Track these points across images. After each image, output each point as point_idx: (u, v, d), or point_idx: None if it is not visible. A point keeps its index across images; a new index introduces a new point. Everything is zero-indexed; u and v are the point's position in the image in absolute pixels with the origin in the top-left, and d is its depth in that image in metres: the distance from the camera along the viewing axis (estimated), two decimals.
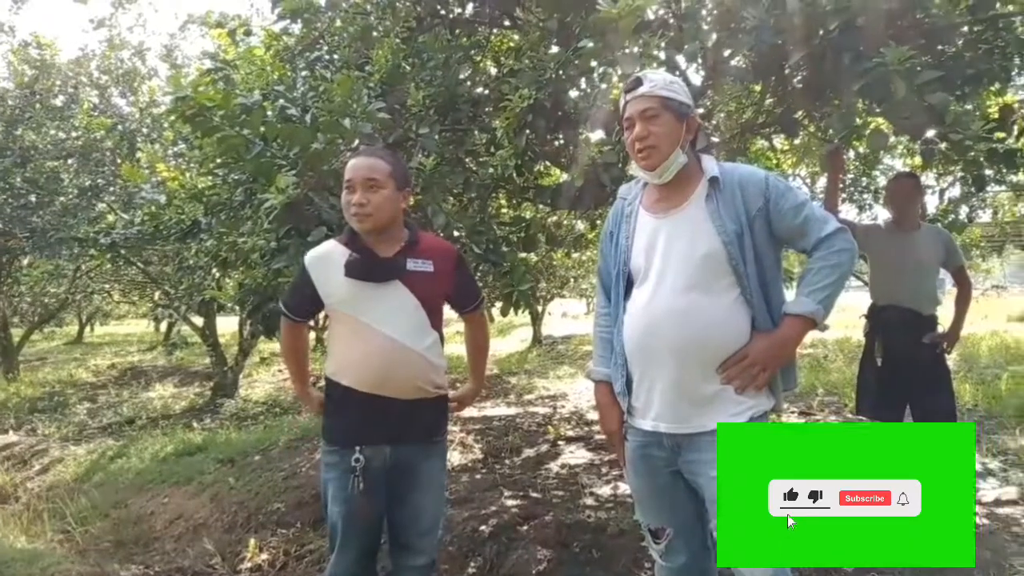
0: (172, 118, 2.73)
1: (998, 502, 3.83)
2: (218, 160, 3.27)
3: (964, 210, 6.55)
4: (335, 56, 3.95)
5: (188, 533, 4.57)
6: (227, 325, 12.32)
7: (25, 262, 11.17)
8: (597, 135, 3.29)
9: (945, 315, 3.66)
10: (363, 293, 2.08)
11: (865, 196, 7.35)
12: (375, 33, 3.62)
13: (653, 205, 1.89)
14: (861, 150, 6.13)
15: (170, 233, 3.82)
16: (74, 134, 7.98)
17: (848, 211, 7.73)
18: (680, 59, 2.58)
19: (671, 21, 2.36)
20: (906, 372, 3.54)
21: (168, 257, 7.99)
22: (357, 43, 3.67)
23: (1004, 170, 3.86)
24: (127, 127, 7.72)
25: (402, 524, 2.18)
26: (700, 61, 2.51)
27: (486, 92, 3.37)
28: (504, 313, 3.17)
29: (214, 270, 3.98)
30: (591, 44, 2.44)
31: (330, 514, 2.14)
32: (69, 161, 8.11)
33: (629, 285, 1.90)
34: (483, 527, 3.86)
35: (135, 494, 5.41)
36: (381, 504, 2.15)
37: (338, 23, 3.80)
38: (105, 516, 5.09)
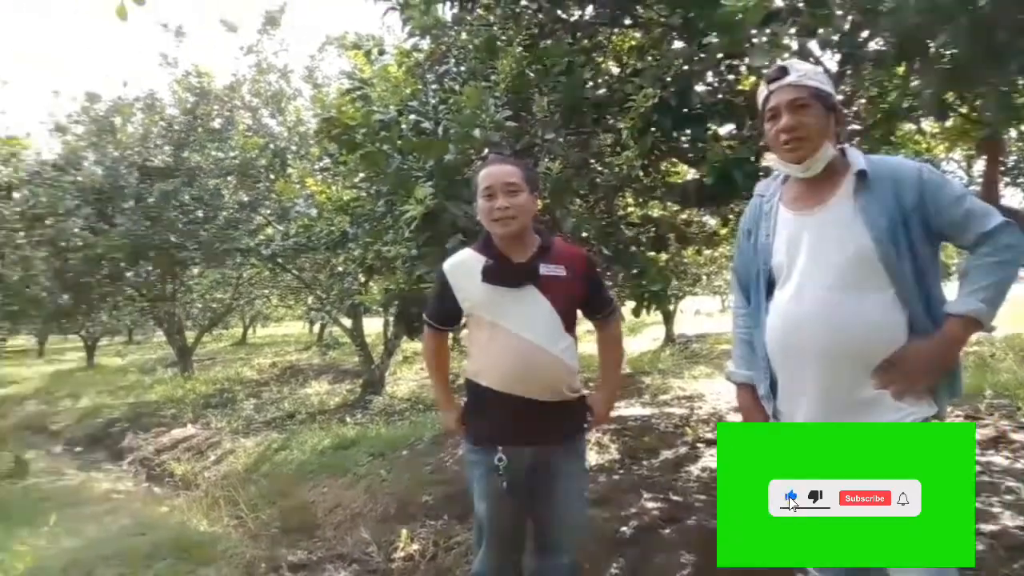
0: (320, 137, 2.96)
1: None
2: (361, 174, 3.50)
3: None
4: (462, 68, 4.11)
5: (346, 522, 4.91)
6: (372, 326, 13.04)
7: (195, 272, 12.42)
8: (726, 130, 3.21)
9: None
10: (499, 298, 2.15)
11: None
12: (499, 43, 3.73)
13: (794, 201, 1.81)
14: None
15: (321, 243, 4.14)
16: (232, 154, 8.81)
17: (1011, 197, 6.97)
18: (813, 46, 2.47)
19: (801, 7, 2.27)
20: None
21: (319, 265, 8.62)
22: (483, 54, 3.79)
23: None
24: (277, 145, 8.40)
25: (545, 523, 2.25)
26: (835, 48, 2.39)
27: (609, 93, 3.37)
28: (636, 314, 3.17)
29: (360, 276, 4.26)
30: (716, 40, 2.39)
31: (475, 512, 2.25)
32: (228, 178, 8.94)
33: (770, 284, 1.84)
34: (624, 528, 3.86)
35: (297, 484, 5.88)
36: (524, 503, 2.22)
37: (464, 36, 3.95)
38: (272, 504, 5.58)
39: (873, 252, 1.65)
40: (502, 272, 2.16)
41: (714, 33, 2.48)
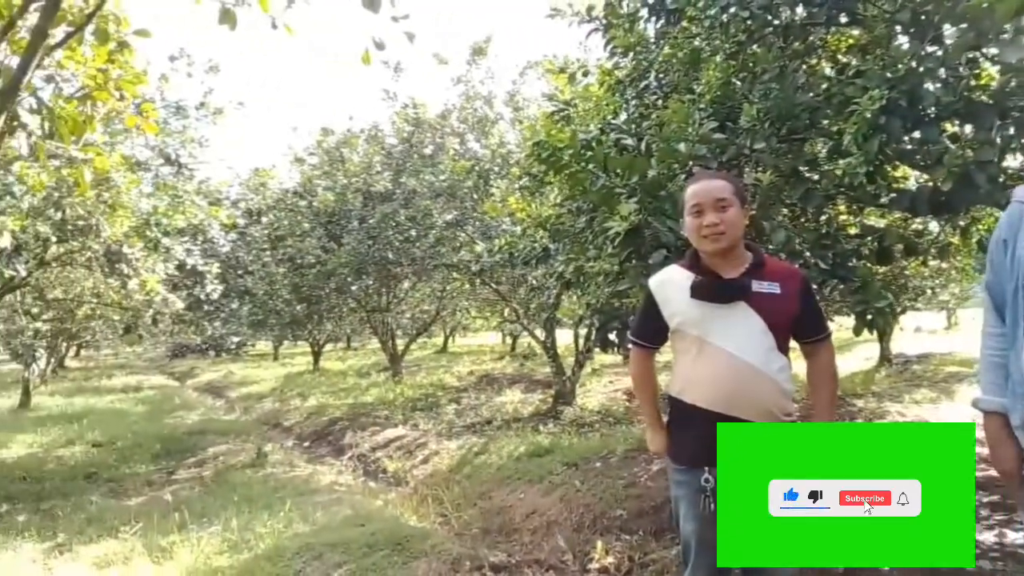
0: (530, 160, 3.11)
1: None
2: (564, 192, 3.61)
3: None
4: (664, 82, 4.10)
5: (542, 528, 5.05)
6: (563, 338, 13.31)
7: (406, 285, 13.49)
8: (968, 129, 2.89)
9: None
10: (709, 314, 2.11)
11: None
12: (703, 53, 3.67)
13: None
14: None
15: (523, 259, 4.33)
16: (441, 177, 9.49)
17: None
18: None
19: None
20: None
21: (516, 279, 9.01)
22: (686, 66, 3.76)
23: None
24: (482, 167, 8.92)
25: None
26: None
27: (825, 97, 3.18)
28: (857, 333, 2.94)
29: (556, 291, 4.40)
30: (959, 34, 2.17)
31: (682, 531, 2.22)
32: (438, 200, 9.64)
33: None
34: None
35: (496, 487, 6.14)
36: None
37: (667, 50, 3.94)
38: (473, 504, 5.88)
39: None
40: (712, 288, 2.12)
41: (951, 26, 2.25)
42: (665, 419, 2.35)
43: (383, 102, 10.76)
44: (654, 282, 2.28)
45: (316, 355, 19.41)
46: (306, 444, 10.22)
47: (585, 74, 4.32)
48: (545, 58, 4.94)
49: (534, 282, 7.08)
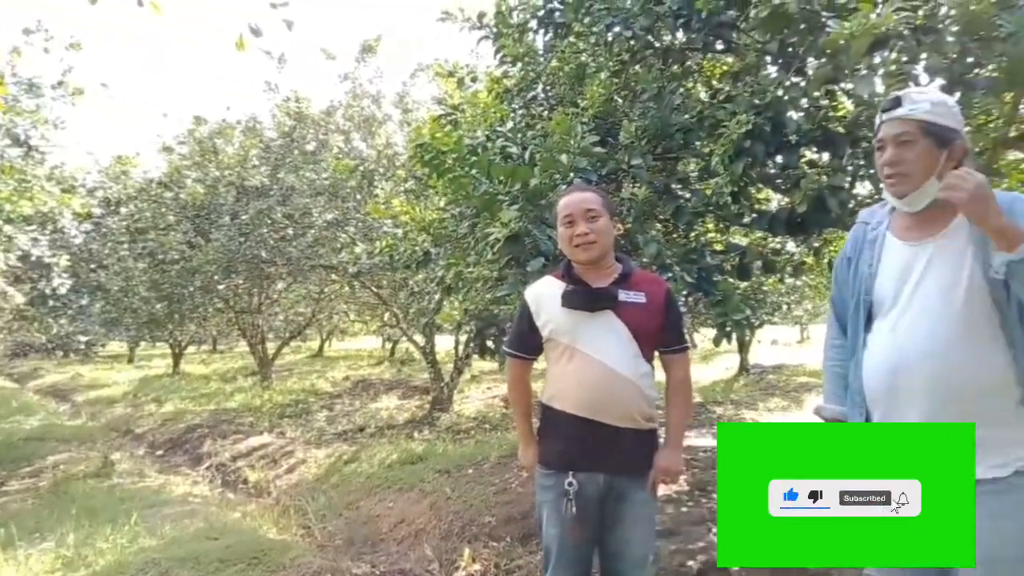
0: (413, 162, 3.05)
1: None
2: (447, 197, 3.58)
3: None
4: (550, 93, 4.17)
5: (410, 537, 4.96)
6: (443, 344, 13.27)
7: (279, 286, 12.93)
8: (822, 156, 3.13)
9: None
10: (579, 322, 2.17)
11: None
12: (588, 69, 3.76)
13: (905, 232, 1.74)
14: None
15: (403, 262, 4.25)
16: (323, 175, 9.19)
17: None
18: (920, 74, 2.39)
19: (907, 33, 2.20)
20: None
21: (397, 283, 8.85)
22: (572, 80, 3.84)
23: None
24: (367, 167, 8.72)
25: (612, 553, 2.22)
26: (943, 74, 2.30)
27: (698, 119, 3.35)
28: (717, 343, 3.10)
29: (437, 295, 4.35)
30: (818, 67, 2.34)
31: (544, 536, 2.24)
32: (319, 198, 9.32)
33: (870, 316, 1.77)
34: (691, 562, 3.77)
35: (365, 496, 5.98)
36: (593, 530, 2.19)
37: (554, 63, 4.01)
38: (339, 515, 5.69)
39: (986, 289, 1.58)
40: (581, 296, 2.18)
41: (814, 59, 2.42)
42: (537, 426, 2.37)
43: (264, 93, 10.30)
44: (529, 293, 2.33)
45: (177, 357, 18.28)
46: (159, 452, 9.54)
47: (474, 80, 4.32)
48: (436, 61, 4.88)
49: (415, 286, 6.98)
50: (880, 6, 2.06)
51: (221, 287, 11.45)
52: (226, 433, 9.49)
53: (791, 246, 4.94)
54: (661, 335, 2.25)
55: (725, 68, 4.09)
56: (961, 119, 1.70)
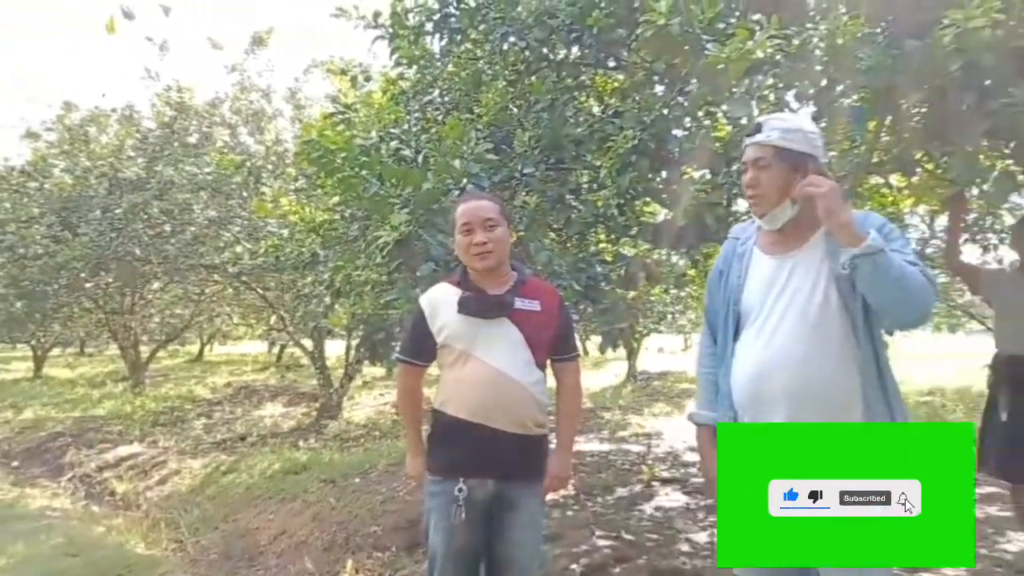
0: (300, 160, 2.95)
1: None
2: (337, 197, 3.49)
3: None
4: (446, 99, 4.15)
5: (290, 550, 4.78)
6: (334, 349, 12.89)
7: (155, 286, 12.15)
8: (701, 174, 3.29)
9: None
10: (474, 328, 2.17)
11: (989, 236, 6.84)
12: (484, 76, 3.78)
13: (770, 246, 1.85)
14: (986, 188, 5.73)
15: (290, 263, 4.10)
16: (206, 169, 8.71)
17: (971, 252, 7.20)
18: (791, 98, 2.56)
19: (781, 60, 2.35)
20: None
21: (285, 285, 8.52)
22: (468, 86, 3.84)
23: None
24: (254, 163, 8.35)
25: (500, 559, 2.22)
26: (811, 100, 2.48)
27: (589, 132, 3.43)
28: (602, 350, 3.18)
29: (327, 299, 4.22)
30: (698, 88, 2.46)
31: (431, 543, 2.21)
32: (201, 194, 8.82)
33: (738, 326, 1.87)
34: (574, 566, 3.84)
35: (244, 508, 5.71)
36: (481, 537, 2.19)
37: (451, 68, 4.00)
38: (215, 528, 5.41)
39: (837, 298, 1.71)
40: (477, 303, 2.19)
41: (696, 81, 2.54)
42: (427, 433, 2.35)
43: (143, 81, 9.64)
44: (424, 299, 2.31)
45: (39, 360, 16.83)
46: (14, 463, 8.74)
47: (367, 79, 4.24)
48: (331, 58, 4.75)
49: (304, 289, 6.75)
50: (756, 33, 2.19)
51: (89, 285, 10.61)
52: (92, 442, 8.83)
53: (677, 258, 5.16)
54: (554, 343, 2.28)
55: (616, 84, 4.22)
56: (818, 144, 1.82)
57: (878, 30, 2.67)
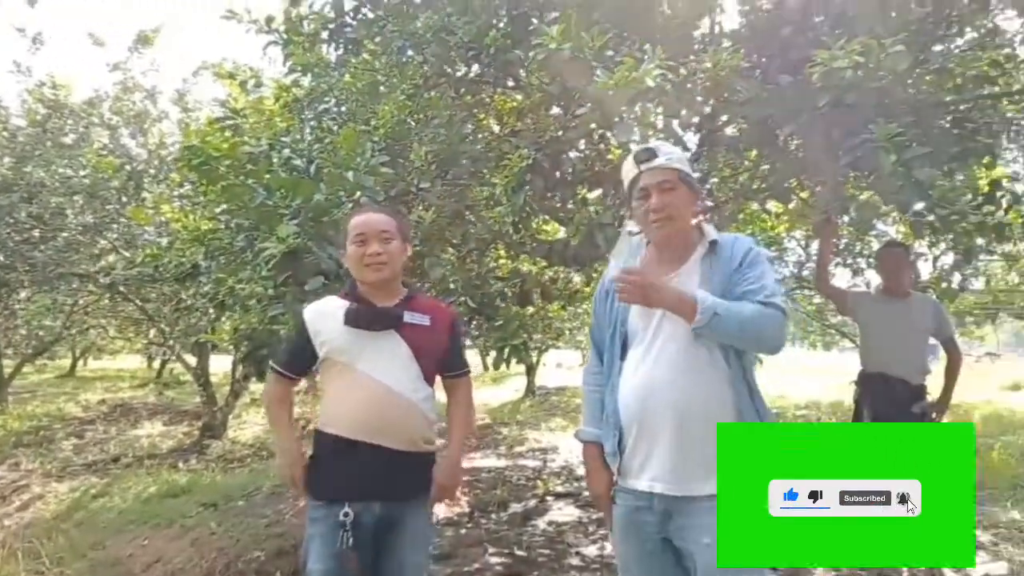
0: (180, 166, 2.80)
1: None
2: (222, 206, 3.33)
3: (957, 278, 6.60)
4: (343, 109, 4.06)
5: None
6: (220, 364, 12.27)
7: (23, 295, 11.17)
8: (594, 195, 3.37)
9: (936, 384, 3.68)
10: (360, 341, 2.12)
11: (859, 261, 7.41)
12: (382, 88, 3.73)
13: (653, 267, 1.92)
14: (851, 216, 6.22)
15: (169, 275, 3.86)
16: (82, 172, 8.10)
17: (842, 275, 7.78)
18: (676, 126, 2.67)
19: (668, 89, 2.45)
20: None
21: (166, 296, 8.02)
22: (365, 97, 3.77)
23: (994, 242, 3.94)
24: (135, 167, 7.84)
25: None
26: (695, 129, 2.60)
27: (487, 149, 3.45)
28: (496, 366, 3.19)
29: (211, 312, 4.01)
30: (587, 112, 2.53)
31: (311, 572, 2.11)
32: (75, 198, 8.19)
33: (624, 345, 1.92)
34: None
35: (114, 535, 5.31)
36: (367, 560, 2.12)
37: (347, 78, 3.92)
38: (83, 557, 4.99)
39: None
40: (365, 315, 2.14)
41: (587, 105, 2.61)
42: (308, 454, 2.26)
43: (11, 75, 8.86)
44: (309, 311, 2.24)
45: None
46: None
47: (258, 85, 4.08)
48: (223, 61, 4.55)
49: (187, 301, 6.38)
50: (643, 63, 2.27)
51: None
52: None
53: (574, 275, 5.26)
54: (444, 359, 2.26)
55: (514, 104, 4.28)
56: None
57: (754, 65, 2.85)
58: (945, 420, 3.95)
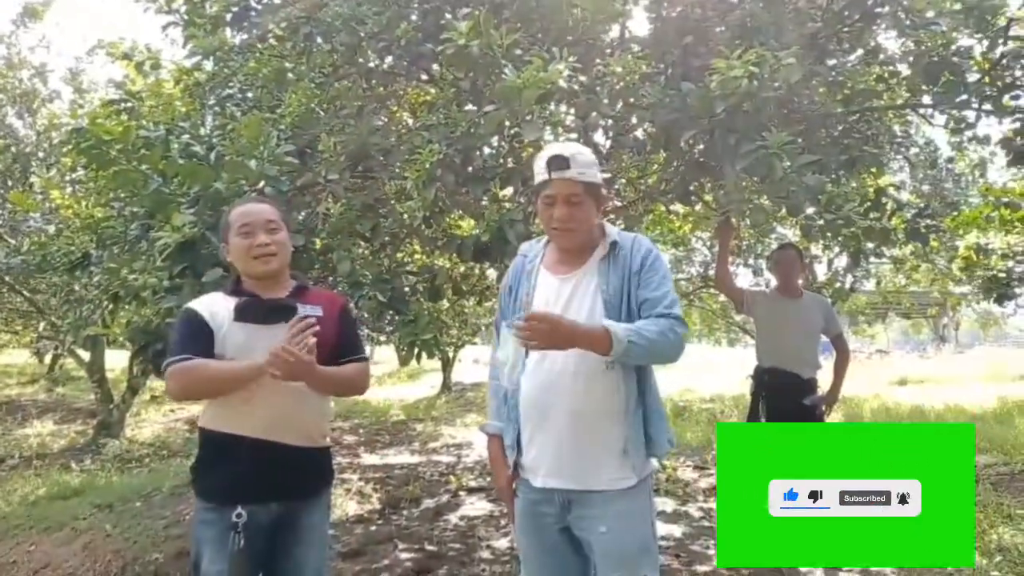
0: (68, 150, 2.63)
1: None
2: (113, 193, 3.16)
3: (849, 280, 7.05)
4: (248, 95, 3.92)
5: None
6: (117, 360, 11.60)
7: None
8: (506, 191, 3.39)
9: (827, 379, 3.90)
10: (253, 336, 2.03)
11: (760, 261, 7.80)
12: (289, 75, 3.62)
13: (555, 265, 1.96)
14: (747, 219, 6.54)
15: (58, 264, 3.64)
16: None
17: (744, 275, 8.17)
18: (584, 128, 2.72)
19: (577, 90, 2.49)
20: None
21: (57, 287, 7.52)
22: (271, 84, 3.66)
23: (881, 246, 4.22)
24: (21, 149, 7.31)
25: None
26: (603, 131, 2.65)
27: (398, 142, 3.41)
28: (404, 363, 3.17)
29: (104, 304, 3.80)
30: (495, 109, 2.54)
31: (206, 574, 2.03)
32: None
33: None
34: None
35: None
36: (261, 562, 2.06)
37: (252, 63, 3.79)
38: None
39: (603, 312, 1.83)
40: (256, 309, 2.06)
41: (495, 103, 2.62)
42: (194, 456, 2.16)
43: None
44: (199, 304, 2.10)
45: None
46: None
47: (155, 67, 3.88)
48: (120, 40, 4.29)
49: (81, 292, 5.99)
50: (551, 63, 2.30)
51: None
52: None
53: (488, 270, 5.28)
54: (336, 347, 2.17)
55: (427, 98, 4.25)
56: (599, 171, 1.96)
57: (661, 70, 2.94)
58: (835, 414, 4.20)
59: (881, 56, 3.29)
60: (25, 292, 8.41)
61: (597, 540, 1.80)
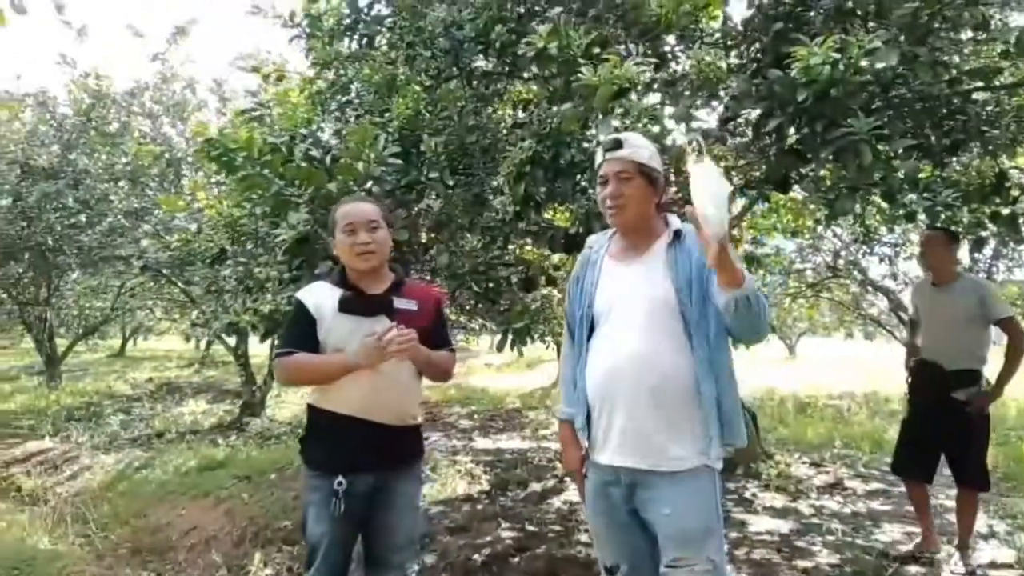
0: (199, 157, 2.99)
1: (993, 564, 3.81)
2: (243, 194, 3.53)
3: (982, 267, 6.53)
4: (364, 99, 4.23)
5: (200, 544, 4.77)
6: (261, 346, 12.66)
7: (72, 277, 11.72)
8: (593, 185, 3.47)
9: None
10: (354, 327, 2.24)
11: (884, 249, 7.36)
12: (399, 81, 3.87)
13: (619, 254, 2.04)
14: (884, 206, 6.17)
15: (200, 258, 4.11)
16: (124, 160, 8.46)
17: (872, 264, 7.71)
18: (667, 121, 2.75)
19: (656, 86, 2.54)
20: (932, 430, 3.54)
21: (208, 280, 8.36)
22: (382, 90, 3.93)
23: (1007, 234, 3.90)
24: (174, 155, 8.17)
25: (376, 541, 2.34)
26: (683, 122, 2.68)
27: (494, 140, 3.58)
28: (499, 349, 3.33)
29: (240, 294, 4.25)
30: (573, 107, 2.63)
31: (310, 535, 2.28)
32: (120, 183, 8.57)
33: (593, 327, 2.03)
34: (476, 556, 3.99)
35: (155, 504, 5.64)
36: (359, 524, 2.30)
37: (366, 71, 4.08)
38: (125, 523, 5.33)
39: (674, 299, 1.88)
40: (358, 302, 2.27)
41: (573, 101, 2.71)
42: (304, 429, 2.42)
43: (58, 66, 9.27)
44: (304, 293, 2.35)
45: None
46: None
47: (280, 78, 4.27)
48: (257, 52, 4.76)
49: (223, 284, 6.67)
50: (626, 60, 2.37)
51: None
52: (0, 436, 8.50)
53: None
54: (429, 339, 2.36)
55: (528, 96, 4.38)
56: (660, 161, 2.02)
57: (751, 58, 2.91)
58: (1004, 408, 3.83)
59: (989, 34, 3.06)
60: (180, 284, 9.39)
61: (661, 522, 1.86)
